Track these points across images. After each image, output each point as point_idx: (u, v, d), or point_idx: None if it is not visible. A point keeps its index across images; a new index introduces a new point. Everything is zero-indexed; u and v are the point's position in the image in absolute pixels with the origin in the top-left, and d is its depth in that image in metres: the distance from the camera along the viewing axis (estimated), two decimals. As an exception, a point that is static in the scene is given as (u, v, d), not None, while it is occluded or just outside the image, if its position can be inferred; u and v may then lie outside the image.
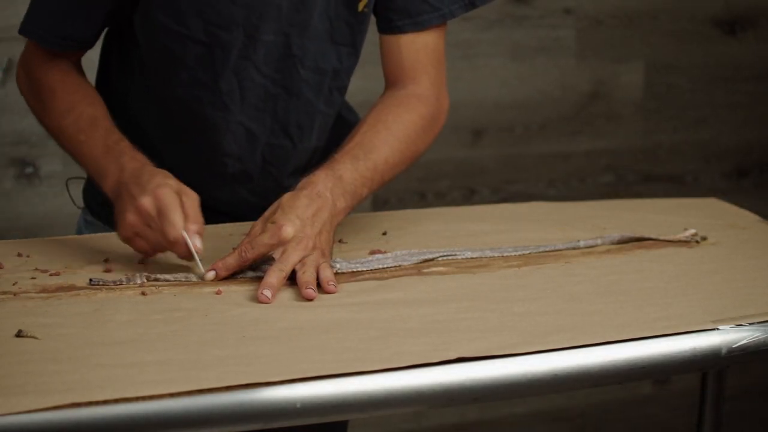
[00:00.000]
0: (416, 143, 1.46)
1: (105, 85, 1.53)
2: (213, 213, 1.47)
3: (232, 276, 1.26)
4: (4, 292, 1.19)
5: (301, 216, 1.27)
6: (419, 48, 1.48)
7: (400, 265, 1.32)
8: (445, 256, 1.35)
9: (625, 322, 1.13)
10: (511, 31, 2.51)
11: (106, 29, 1.49)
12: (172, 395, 0.94)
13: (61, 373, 0.97)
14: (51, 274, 1.26)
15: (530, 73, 2.55)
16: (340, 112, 1.58)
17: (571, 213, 1.58)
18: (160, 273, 1.25)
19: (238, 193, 1.49)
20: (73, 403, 0.91)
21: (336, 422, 1.33)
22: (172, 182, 1.27)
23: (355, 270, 1.29)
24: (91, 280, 1.22)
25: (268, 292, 1.19)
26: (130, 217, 1.25)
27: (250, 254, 1.24)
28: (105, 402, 0.92)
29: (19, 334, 1.06)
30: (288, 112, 1.46)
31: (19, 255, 1.33)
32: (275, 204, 1.30)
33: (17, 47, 1.55)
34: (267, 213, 1.30)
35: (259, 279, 1.25)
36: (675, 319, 1.14)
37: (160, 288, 1.22)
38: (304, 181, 1.33)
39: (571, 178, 2.63)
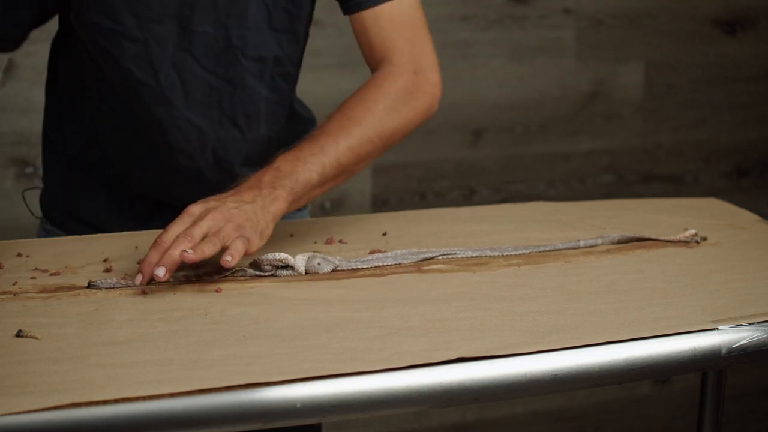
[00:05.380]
0: (383, 122, 1.41)
1: (55, 92, 1.53)
2: (174, 211, 1.48)
3: (232, 274, 1.26)
4: (4, 292, 1.19)
5: (217, 198, 1.26)
6: (385, 25, 1.45)
7: (400, 264, 1.32)
8: (445, 255, 1.35)
9: (625, 322, 1.13)
10: (511, 31, 2.51)
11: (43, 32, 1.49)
12: (172, 395, 0.94)
13: (61, 373, 0.97)
14: (51, 274, 1.26)
15: (530, 73, 2.55)
16: (294, 108, 1.58)
17: (571, 213, 1.58)
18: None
19: (194, 188, 1.48)
20: (73, 403, 0.91)
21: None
22: None
23: (355, 267, 1.30)
24: (89, 284, 1.22)
25: (191, 251, 1.18)
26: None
27: (166, 238, 1.21)
28: (105, 402, 0.92)
29: (19, 334, 1.06)
30: (234, 104, 1.45)
31: (19, 255, 1.33)
32: None
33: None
34: None
35: (260, 277, 1.26)
36: (675, 319, 1.14)
37: (159, 286, 1.22)
38: (240, 178, 1.32)
39: (571, 178, 2.63)
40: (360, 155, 1.39)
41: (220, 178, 1.47)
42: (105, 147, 1.50)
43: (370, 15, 1.45)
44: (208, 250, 1.20)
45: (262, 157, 1.48)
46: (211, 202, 1.26)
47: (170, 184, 1.49)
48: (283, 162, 1.33)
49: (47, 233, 1.54)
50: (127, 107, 1.44)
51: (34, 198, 1.60)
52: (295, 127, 1.56)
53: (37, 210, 1.58)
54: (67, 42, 1.48)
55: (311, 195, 1.35)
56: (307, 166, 1.34)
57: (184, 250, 1.18)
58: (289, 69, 1.48)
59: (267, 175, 1.31)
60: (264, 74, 1.45)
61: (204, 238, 1.21)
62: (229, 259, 1.19)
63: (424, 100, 1.47)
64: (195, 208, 1.24)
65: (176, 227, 1.22)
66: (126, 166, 1.50)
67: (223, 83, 1.43)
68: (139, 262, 1.30)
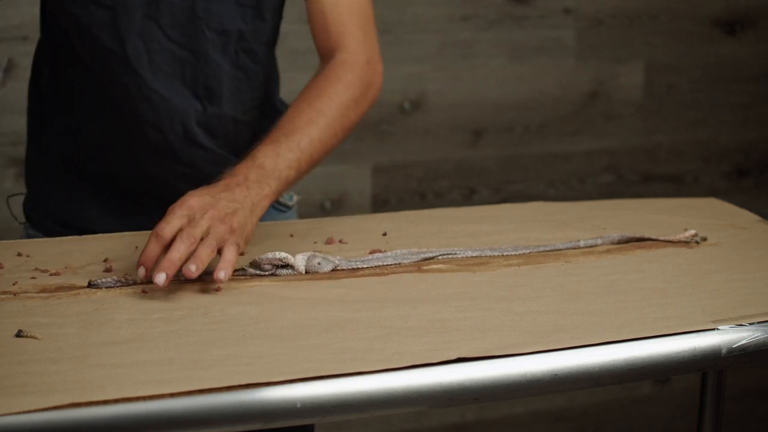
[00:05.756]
0: (345, 114, 1.45)
1: (38, 93, 1.55)
2: (157, 204, 1.49)
3: (232, 273, 1.26)
4: (4, 292, 1.19)
5: (210, 192, 1.26)
6: (343, 11, 1.48)
7: (400, 264, 1.32)
8: (445, 255, 1.35)
9: (625, 322, 1.13)
10: (511, 31, 2.51)
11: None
12: (172, 395, 0.94)
13: (61, 373, 0.97)
14: (51, 274, 1.26)
15: (530, 73, 2.55)
16: (275, 105, 1.59)
17: (571, 213, 1.58)
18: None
19: (167, 165, 1.49)
20: (73, 403, 0.91)
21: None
22: None
23: (355, 267, 1.30)
24: (89, 283, 1.22)
25: (193, 267, 1.17)
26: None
27: (167, 230, 1.20)
28: (105, 402, 0.92)
29: (19, 334, 1.06)
30: (196, 76, 1.46)
31: (19, 255, 1.33)
32: None
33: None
34: None
35: (260, 277, 1.26)
36: (675, 319, 1.14)
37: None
38: (225, 173, 1.32)
39: (571, 178, 2.63)
40: (327, 148, 1.42)
41: (191, 153, 1.48)
42: (86, 138, 1.51)
43: (329, 0, 1.48)
44: (206, 257, 1.19)
45: (229, 135, 1.49)
46: (206, 196, 1.25)
47: (145, 163, 1.49)
48: (265, 158, 1.34)
49: (30, 237, 1.55)
50: (100, 85, 1.45)
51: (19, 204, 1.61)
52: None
53: (21, 216, 1.59)
54: (47, 42, 1.50)
55: (286, 190, 1.37)
56: (287, 163, 1.35)
57: (188, 267, 1.17)
58: (253, 46, 1.49)
59: (252, 173, 1.31)
60: (228, 48, 1.47)
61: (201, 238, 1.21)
62: (223, 276, 1.19)
63: (375, 91, 1.51)
64: (193, 201, 1.23)
65: (176, 220, 1.21)
66: (103, 152, 1.51)
67: (186, 54, 1.45)
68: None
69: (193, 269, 1.17)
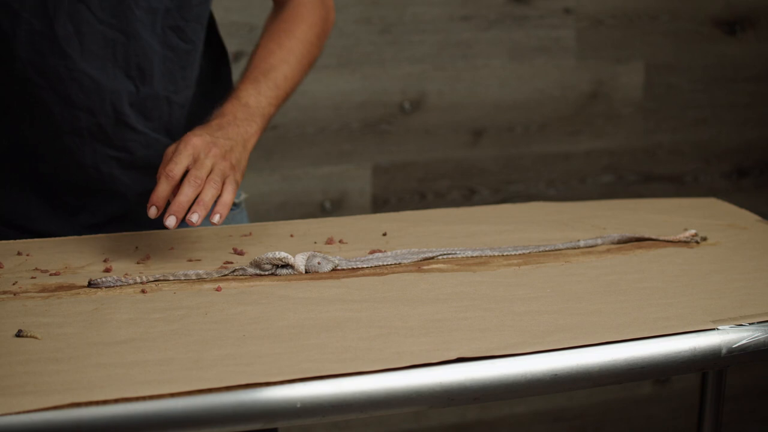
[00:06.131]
0: (311, 51, 1.57)
1: None
2: (95, 196, 1.49)
3: (232, 273, 1.26)
4: (4, 292, 1.19)
5: (208, 131, 1.35)
6: None
7: (400, 263, 1.32)
8: (444, 254, 1.35)
9: (625, 322, 1.13)
10: (511, 31, 2.51)
11: None
12: (172, 395, 0.94)
13: (61, 373, 0.97)
14: (51, 274, 1.26)
15: (530, 73, 2.55)
16: (223, 93, 1.60)
17: (571, 213, 1.58)
18: (160, 272, 1.25)
19: (98, 149, 1.49)
20: (73, 403, 0.91)
21: None
22: None
23: (355, 267, 1.30)
24: (90, 282, 1.22)
25: (196, 216, 1.26)
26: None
27: (177, 170, 1.29)
28: (105, 402, 0.92)
29: (19, 334, 1.06)
30: (128, 56, 1.48)
31: (19, 254, 1.33)
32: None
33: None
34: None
35: (260, 276, 1.26)
36: (675, 319, 1.14)
37: (159, 285, 1.22)
38: (214, 114, 1.41)
39: (571, 178, 2.63)
40: (296, 84, 1.53)
41: (123, 136, 1.49)
42: (22, 134, 1.50)
43: None
44: (210, 199, 1.28)
45: (162, 116, 1.51)
46: (206, 136, 1.34)
47: (79, 150, 1.49)
48: (248, 97, 1.44)
49: None
50: (33, 72, 1.45)
51: None
52: None
53: None
54: None
55: (267, 126, 1.47)
56: (268, 100, 1.46)
57: (190, 218, 1.25)
58: (180, 23, 1.50)
59: (240, 112, 1.41)
60: (156, 26, 1.48)
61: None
62: (217, 220, 1.28)
63: (330, 25, 1.63)
64: (197, 140, 1.32)
65: (184, 160, 1.30)
66: (38, 146, 1.50)
67: (116, 34, 1.46)
68: (138, 262, 1.30)
69: (195, 219, 1.26)
